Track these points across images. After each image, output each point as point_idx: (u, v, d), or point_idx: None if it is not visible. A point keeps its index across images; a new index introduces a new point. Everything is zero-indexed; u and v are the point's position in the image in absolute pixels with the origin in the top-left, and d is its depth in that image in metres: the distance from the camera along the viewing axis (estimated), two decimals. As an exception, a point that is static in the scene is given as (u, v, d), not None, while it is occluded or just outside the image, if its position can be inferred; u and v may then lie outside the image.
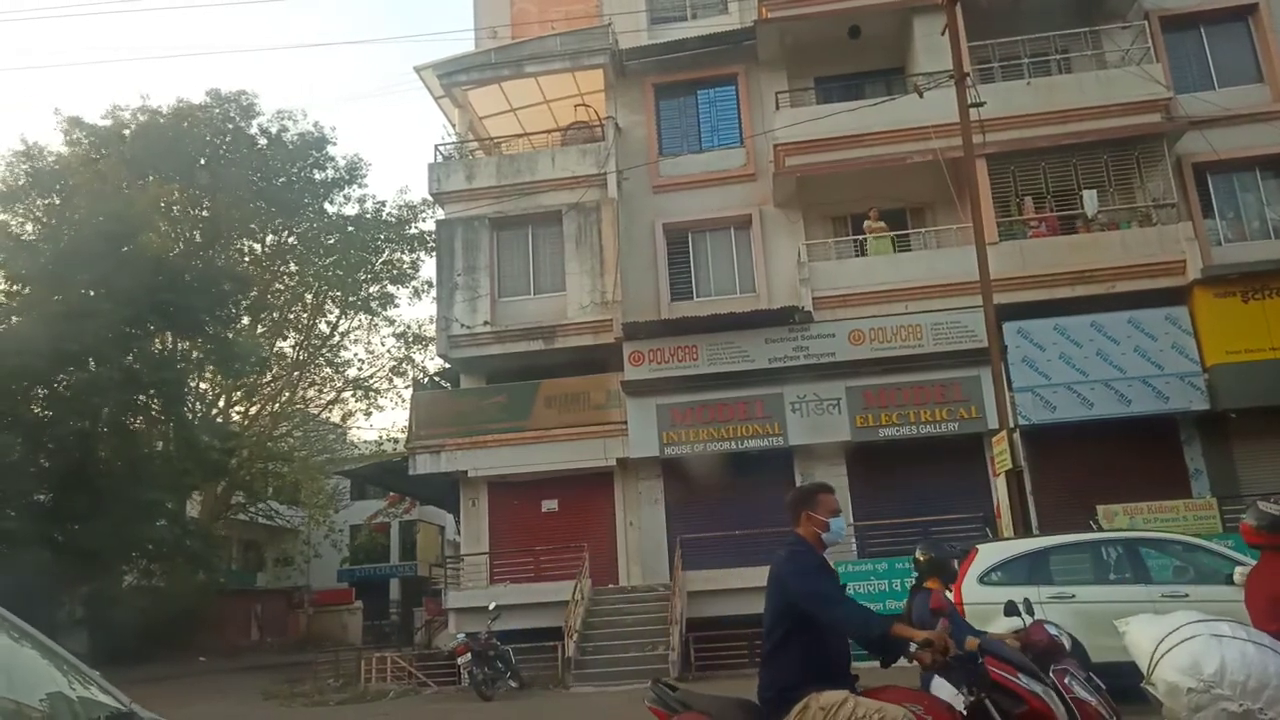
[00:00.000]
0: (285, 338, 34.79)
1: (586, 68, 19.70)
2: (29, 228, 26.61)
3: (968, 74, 14.14)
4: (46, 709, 2.36)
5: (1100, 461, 16.73)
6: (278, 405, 34.79)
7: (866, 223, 18.17)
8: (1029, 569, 9.89)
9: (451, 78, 19.95)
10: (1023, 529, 12.64)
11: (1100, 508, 15.46)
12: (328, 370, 35.58)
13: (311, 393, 36.69)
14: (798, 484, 17.70)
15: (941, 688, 4.53)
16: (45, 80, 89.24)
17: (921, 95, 14.22)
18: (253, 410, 34.20)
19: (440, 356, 19.91)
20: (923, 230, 18.56)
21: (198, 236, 31.03)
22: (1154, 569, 9.61)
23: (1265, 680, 3.79)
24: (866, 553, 16.48)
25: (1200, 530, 15.50)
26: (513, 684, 14.80)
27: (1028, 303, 16.83)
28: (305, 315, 34.74)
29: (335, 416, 38.35)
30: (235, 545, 42.83)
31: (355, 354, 37.43)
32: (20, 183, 28.30)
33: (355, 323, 35.18)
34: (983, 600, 9.60)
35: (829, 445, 17.35)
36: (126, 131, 29.57)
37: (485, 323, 18.49)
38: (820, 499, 4.12)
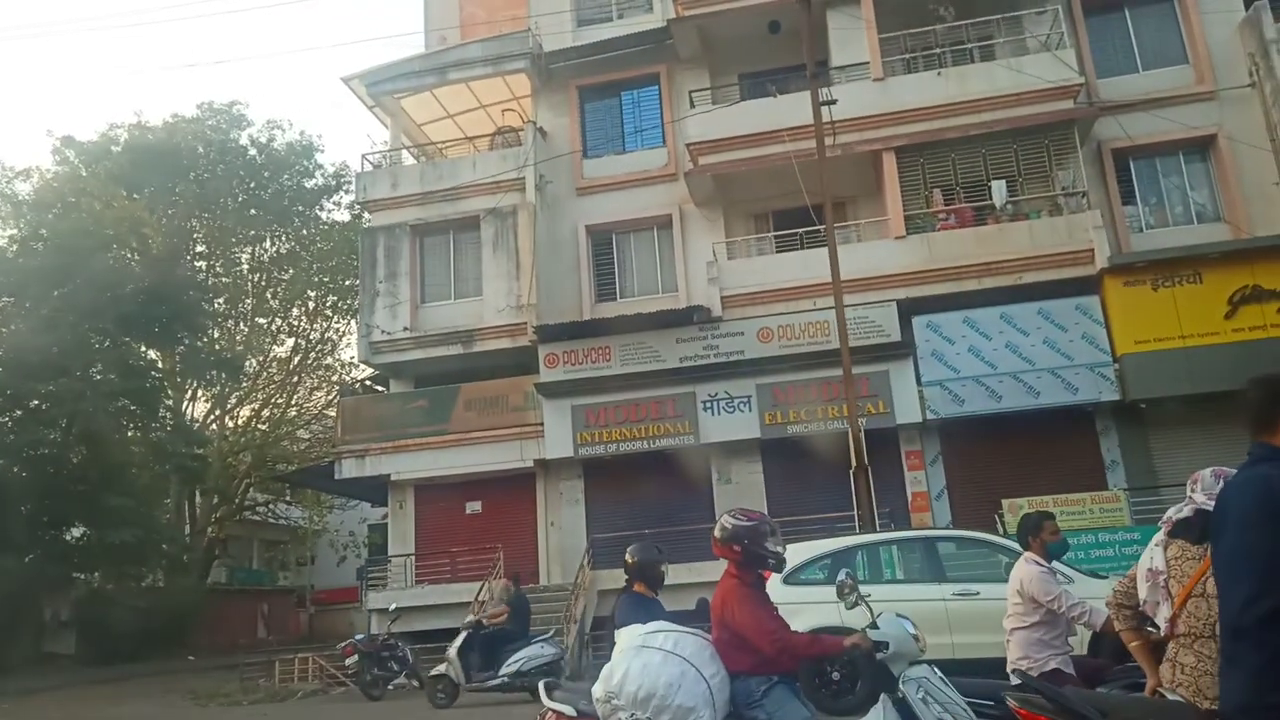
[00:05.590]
0: (281, 343, 35.68)
1: (508, 73, 19.90)
2: (14, 247, 27.57)
3: (821, 64, 14.02)
4: None
5: (1016, 455, 16.50)
6: (275, 409, 35.68)
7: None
8: (832, 569, 9.90)
9: (378, 87, 20.30)
10: (870, 527, 12.58)
11: (1005, 502, 15.27)
12: (322, 372, 36.41)
13: (314, 396, 37.60)
14: (713, 481, 17.93)
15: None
16: (47, 103, 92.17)
17: (776, 96, 14.12)
18: (247, 414, 35.10)
19: (363, 362, 20.33)
20: (843, 225, 18.35)
21: (197, 246, 32.07)
22: (951, 568, 9.56)
23: (654, 690, 3.89)
24: (778, 550, 16.44)
25: (1108, 523, 15.26)
26: (413, 684, 15.07)
27: (937, 296, 16.70)
28: (303, 320, 35.54)
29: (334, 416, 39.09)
30: (256, 545, 44.13)
31: (352, 357, 38.26)
32: (16, 201, 29.45)
33: (349, 326, 35.88)
34: (788, 600, 9.64)
35: (743, 443, 17.37)
36: (115, 148, 30.64)
37: (405, 329, 18.82)
38: None
